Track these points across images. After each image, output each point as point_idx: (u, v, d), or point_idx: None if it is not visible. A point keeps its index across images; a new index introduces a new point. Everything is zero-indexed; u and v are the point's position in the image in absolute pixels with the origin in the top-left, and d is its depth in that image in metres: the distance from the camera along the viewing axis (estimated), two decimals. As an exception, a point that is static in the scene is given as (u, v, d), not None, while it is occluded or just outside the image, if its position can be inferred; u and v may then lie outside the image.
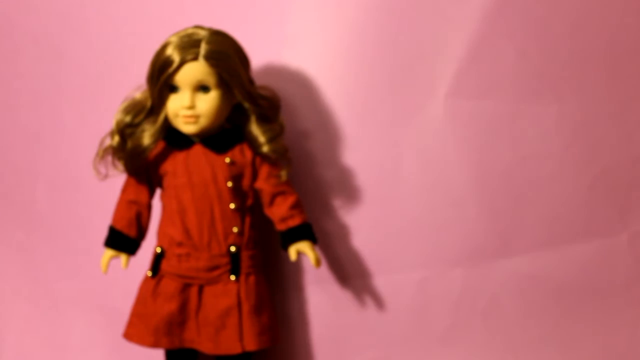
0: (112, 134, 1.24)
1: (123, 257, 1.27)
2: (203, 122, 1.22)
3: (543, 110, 1.33)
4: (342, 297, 1.37)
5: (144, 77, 1.22)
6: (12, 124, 1.55)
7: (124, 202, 1.28)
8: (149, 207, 1.28)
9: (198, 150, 1.25)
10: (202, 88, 1.21)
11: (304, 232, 1.26)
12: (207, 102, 1.21)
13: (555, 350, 1.36)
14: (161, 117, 1.22)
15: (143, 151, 1.22)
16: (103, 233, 1.28)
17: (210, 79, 1.20)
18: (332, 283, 1.37)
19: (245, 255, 1.26)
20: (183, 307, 1.25)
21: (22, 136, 1.54)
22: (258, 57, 1.30)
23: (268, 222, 1.30)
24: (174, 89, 1.21)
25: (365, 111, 1.34)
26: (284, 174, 1.26)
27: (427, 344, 1.36)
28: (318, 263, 1.24)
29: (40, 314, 1.55)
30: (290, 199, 1.27)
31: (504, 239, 1.34)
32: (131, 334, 1.27)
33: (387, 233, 1.35)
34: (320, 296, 1.37)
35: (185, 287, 1.25)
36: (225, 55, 1.20)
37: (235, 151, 1.26)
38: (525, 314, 1.35)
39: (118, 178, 1.26)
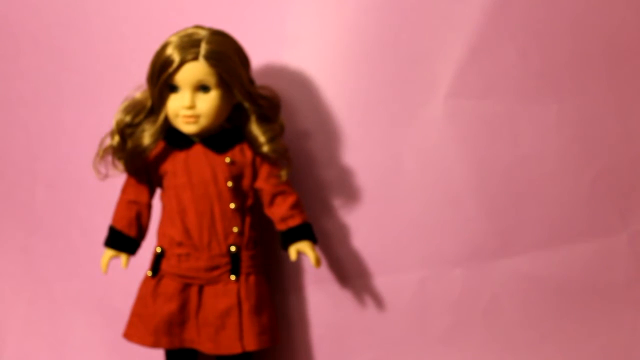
0: (112, 134, 1.24)
1: (123, 257, 1.27)
2: (203, 122, 1.22)
3: (543, 110, 1.33)
4: (342, 297, 1.37)
5: (144, 77, 1.22)
6: (13, 124, 1.55)
7: (124, 202, 1.28)
8: (149, 207, 1.28)
9: (198, 150, 1.25)
10: (202, 88, 1.21)
11: (304, 232, 1.26)
12: (207, 102, 1.21)
13: (555, 350, 1.36)
14: (161, 117, 1.22)
15: (143, 151, 1.22)
16: (103, 233, 1.28)
17: (210, 79, 1.20)
18: (332, 283, 1.37)
19: (245, 255, 1.26)
20: (183, 307, 1.25)
21: (22, 136, 1.54)
22: (258, 57, 1.30)
23: (268, 222, 1.30)
24: (174, 88, 1.21)
25: (365, 111, 1.34)
26: (284, 174, 1.26)
27: (427, 344, 1.36)
28: (318, 263, 1.24)
29: (40, 314, 1.55)
30: (290, 199, 1.27)
31: (504, 239, 1.34)
32: (131, 334, 1.27)
33: (387, 233, 1.35)
34: (320, 296, 1.37)
35: (185, 287, 1.25)
36: (225, 55, 1.20)
37: (235, 151, 1.26)
38: (525, 314, 1.35)
39: (118, 178, 1.26)
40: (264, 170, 1.26)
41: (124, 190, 1.28)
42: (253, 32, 1.32)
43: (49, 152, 1.51)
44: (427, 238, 1.34)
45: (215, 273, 1.25)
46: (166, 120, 1.23)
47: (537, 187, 1.33)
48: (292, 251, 1.25)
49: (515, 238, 1.34)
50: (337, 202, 1.35)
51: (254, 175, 1.27)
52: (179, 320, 1.25)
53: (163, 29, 1.25)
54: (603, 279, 1.35)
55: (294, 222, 1.26)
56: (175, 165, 1.25)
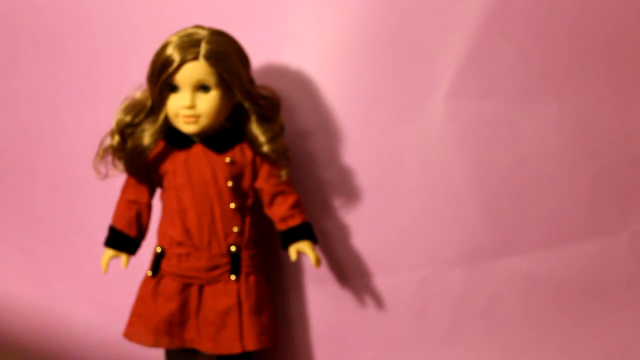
0: (112, 134, 1.24)
1: (123, 257, 1.27)
2: (203, 121, 1.22)
3: (543, 110, 1.33)
4: (342, 297, 1.37)
5: (144, 77, 1.22)
6: (12, 124, 1.55)
7: (124, 202, 1.28)
8: (149, 207, 1.28)
9: (198, 150, 1.25)
10: (202, 88, 1.21)
11: (304, 231, 1.26)
12: (207, 102, 1.21)
13: (555, 350, 1.36)
14: (161, 117, 1.22)
15: (143, 151, 1.22)
16: (103, 233, 1.28)
17: (210, 79, 1.20)
18: (332, 283, 1.37)
19: (245, 255, 1.26)
20: (183, 306, 1.25)
21: (22, 136, 1.54)
22: (258, 57, 1.30)
23: (268, 222, 1.30)
24: (174, 88, 1.21)
25: (365, 111, 1.34)
26: (284, 174, 1.26)
27: (427, 344, 1.36)
28: (318, 263, 1.24)
29: (40, 314, 1.55)
30: (291, 199, 1.27)
31: (504, 239, 1.34)
32: (131, 333, 1.27)
33: (387, 233, 1.35)
34: (320, 296, 1.37)
35: (186, 287, 1.25)
36: (226, 55, 1.20)
37: (236, 151, 1.26)
38: (525, 314, 1.35)
39: (118, 178, 1.26)
40: (264, 170, 1.26)
41: (124, 190, 1.28)
42: (253, 32, 1.32)
43: (49, 152, 1.51)
44: (427, 238, 1.34)
45: (215, 273, 1.25)
46: (166, 120, 1.23)
47: (537, 187, 1.33)
48: (292, 251, 1.25)
49: (515, 238, 1.34)
50: (337, 202, 1.35)
51: (254, 175, 1.27)
52: (179, 320, 1.25)
53: (163, 29, 1.25)
54: (603, 279, 1.35)
55: (294, 222, 1.26)
56: (176, 165, 1.25)
